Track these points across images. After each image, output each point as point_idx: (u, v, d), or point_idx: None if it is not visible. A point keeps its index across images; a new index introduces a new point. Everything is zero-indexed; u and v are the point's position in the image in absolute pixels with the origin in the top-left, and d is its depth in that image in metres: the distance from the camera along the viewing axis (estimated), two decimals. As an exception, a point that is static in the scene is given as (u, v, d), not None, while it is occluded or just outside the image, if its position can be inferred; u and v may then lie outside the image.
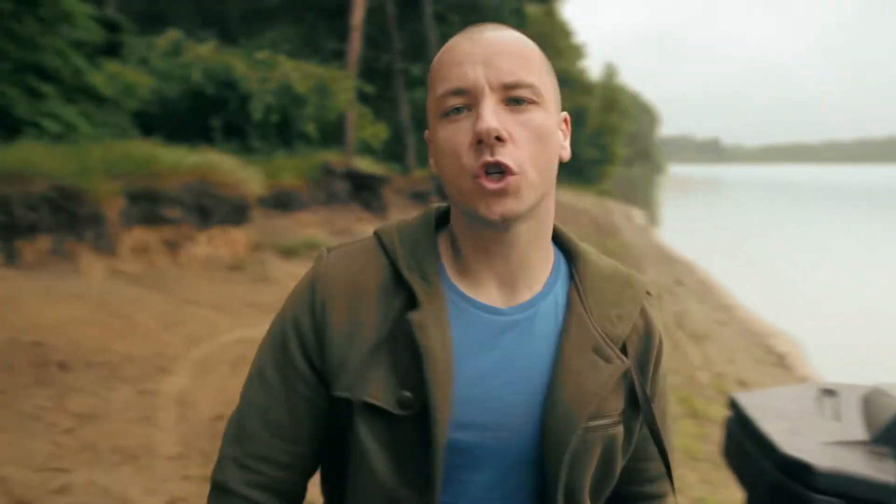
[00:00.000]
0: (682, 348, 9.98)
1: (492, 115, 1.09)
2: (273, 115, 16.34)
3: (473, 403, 1.16)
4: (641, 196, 58.61)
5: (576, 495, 1.19)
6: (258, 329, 8.68)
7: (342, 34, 22.41)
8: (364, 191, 18.08)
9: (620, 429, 1.22)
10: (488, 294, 1.20)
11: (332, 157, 17.72)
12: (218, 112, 15.96)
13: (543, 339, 1.19)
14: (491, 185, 1.10)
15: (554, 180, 1.19)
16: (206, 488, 3.97)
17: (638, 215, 37.79)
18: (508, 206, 1.11)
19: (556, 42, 50.33)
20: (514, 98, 1.12)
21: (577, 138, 51.62)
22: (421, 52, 25.06)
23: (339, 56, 22.18)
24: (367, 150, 21.15)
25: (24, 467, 4.81)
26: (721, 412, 7.16)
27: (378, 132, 20.30)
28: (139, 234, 10.97)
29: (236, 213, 12.50)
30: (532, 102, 1.13)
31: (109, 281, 10.07)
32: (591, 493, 1.23)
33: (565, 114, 1.24)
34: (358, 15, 20.05)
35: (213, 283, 10.94)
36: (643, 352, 1.25)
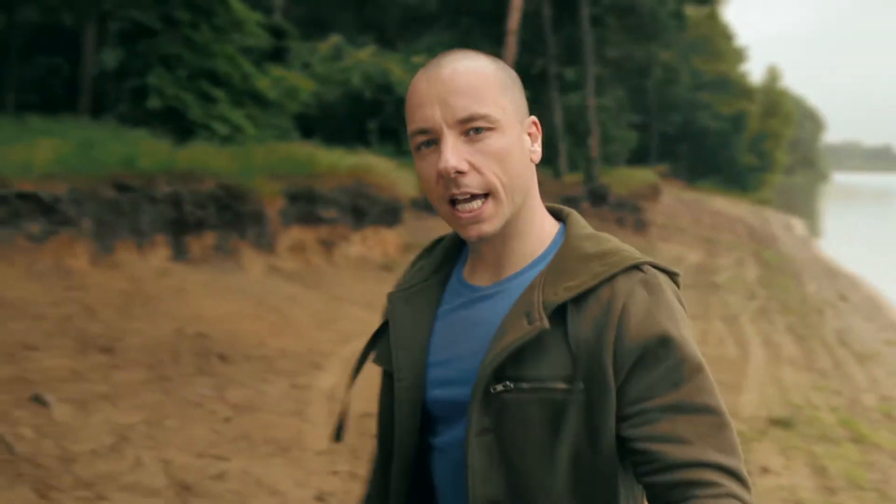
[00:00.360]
0: (844, 368, 9.49)
1: (451, 152, 1.25)
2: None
3: (442, 365, 1.38)
4: (803, 205, 55.97)
5: (514, 460, 1.28)
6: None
7: (497, 38, 22.54)
8: (514, 195, 18.14)
9: (571, 397, 1.24)
10: (480, 278, 1.40)
11: (483, 161, 17.85)
12: (374, 115, 16.40)
13: (503, 310, 1.31)
14: (464, 215, 1.28)
15: (528, 184, 1.34)
16: (353, 485, 4.11)
17: (798, 225, 36.16)
18: (482, 229, 1.29)
19: (716, 45, 48.89)
20: (470, 129, 1.26)
21: (735, 144, 49.96)
22: (576, 56, 24.89)
23: (493, 60, 22.32)
24: (518, 154, 21.20)
25: (186, 452, 5.11)
26: (889, 438, 6.78)
27: (531, 137, 20.32)
28: (297, 233, 11.42)
29: (389, 214, 12.81)
30: (488, 129, 1.27)
31: (268, 277, 10.53)
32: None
33: (532, 118, 1.37)
34: (514, 19, 20.11)
35: (365, 283, 11.25)
36: (601, 318, 1.26)
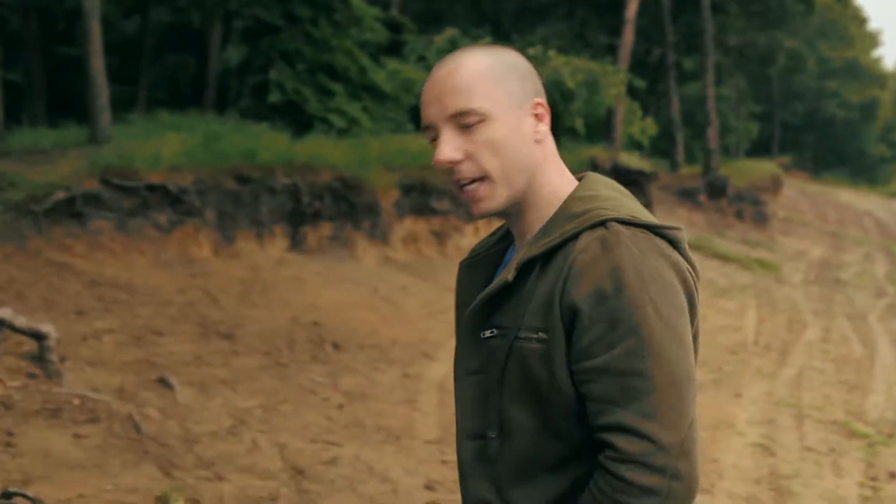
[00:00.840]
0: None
1: (446, 145, 1.40)
2: (541, 111, 16.46)
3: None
4: (939, 199, 52.96)
5: (512, 417, 1.40)
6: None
7: (614, 28, 22.17)
8: (630, 187, 17.54)
9: (546, 348, 1.35)
10: (518, 246, 1.52)
11: (598, 152, 17.59)
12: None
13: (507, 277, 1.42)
14: (464, 196, 1.44)
15: (531, 163, 1.44)
16: None
17: (934, 220, 34.24)
18: (482, 207, 1.44)
19: (846, 30, 46.73)
20: (463, 124, 1.40)
21: (864, 134, 47.65)
22: (695, 44, 24.23)
23: (610, 51, 21.97)
24: (634, 146, 20.81)
25: (300, 437, 5.24)
26: None
27: (647, 128, 19.88)
28: (409, 225, 11.53)
29: (502, 206, 12.78)
30: (479, 121, 1.40)
31: (381, 267, 10.68)
32: (529, 416, 1.39)
33: (537, 99, 1.46)
34: (632, 8, 19.73)
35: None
36: (557, 273, 1.36)
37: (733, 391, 7.33)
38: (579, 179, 1.52)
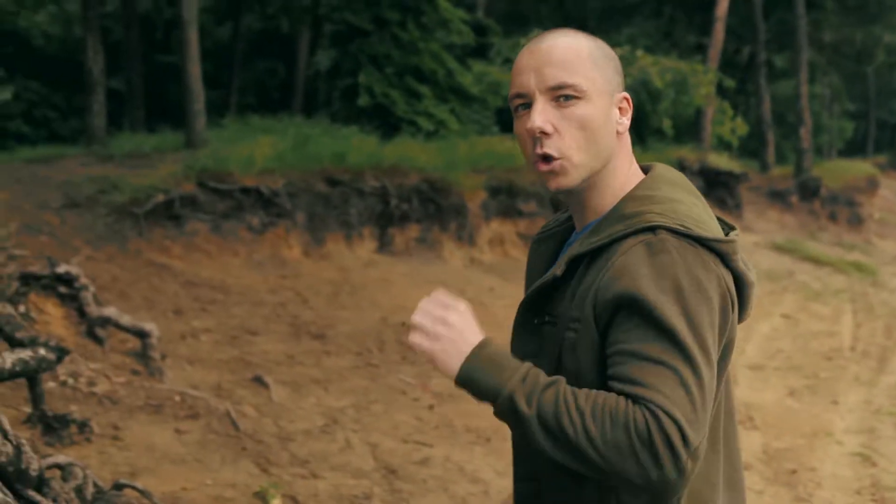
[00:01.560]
0: None
1: (539, 115, 1.45)
2: (629, 112, 16.29)
3: None
4: None
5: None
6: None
7: (702, 27, 21.77)
8: (719, 188, 17.45)
9: (578, 339, 1.43)
10: (577, 226, 1.60)
11: (686, 153, 17.31)
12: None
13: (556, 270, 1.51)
14: (542, 168, 1.48)
15: (610, 150, 1.50)
16: None
17: None
18: (558, 182, 1.48)
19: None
20: (560, 96, 1.45)
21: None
22: (787, 41, 23.62)
23: (699, 49, 21.59)
24: (723, 146, 20.39)
25: (391, 437, 5.29)
26: None
27: (736, 127, 19.45)
28: (496, 226, 11.53)
29: (588, 208, 12.67)
30: (576, 97, 1.45)
31: (467, 269, 10.71)
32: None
33: (624, 94, 1.54)
34: (723, 6, 19.33)
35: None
36: (603, 268, 1.42)
37: (830, 398, 7.12)
38: (647, 171, 1.58)
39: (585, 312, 1.42)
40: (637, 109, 13.87)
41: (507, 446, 5.17)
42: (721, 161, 18.28)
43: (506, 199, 11.60)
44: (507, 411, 1.40)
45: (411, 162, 10.70)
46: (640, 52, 17.26)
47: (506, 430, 4.70)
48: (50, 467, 3.58)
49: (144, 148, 11.18)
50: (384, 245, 10.21)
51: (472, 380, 1.44)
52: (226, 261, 8.73)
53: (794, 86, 22.75)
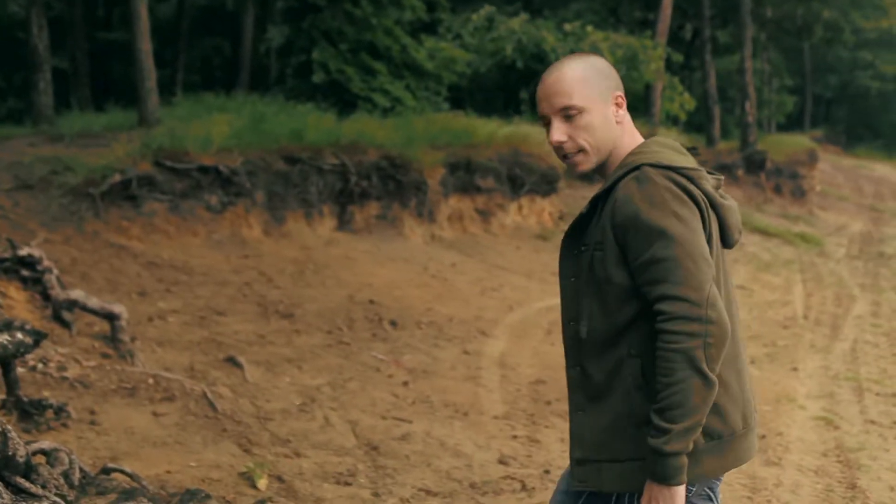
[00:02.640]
0: None
1: (555, 132, 2.06)
2: (579, 87, 16.31)
3: None
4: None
5: (583, 306, 2.05)
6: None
7: (647, 2, 21.93)
8: (668, 163, 17.64)
9: (604, 255, 1.99)
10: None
11: (638, 127, 17.43)
12: (527, 84, 16.25)
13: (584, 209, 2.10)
14: (566, 162, 2.13)
15: (613, 141, 2.08)
16: (534, 448, 4.09)
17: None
18: (580, 168, 2.11)
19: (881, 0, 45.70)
20: (565, 115, 2.05)
21: (900, 106, 46.70)
22: (730, 17, 23.90)
23: (644, 25, 21.72)
24: (672, 121, 20.61)
25: (369, 414, 5.27)
26: None
27: (685, 103, 19.66)
28: (455, 203, 11.51)
29: (545, 183, 12.72)
30: (577, 114, 2.04)
31: (429, 246, 10.68)
32: (600, 306, 2.02)
33: (618, 92, 2.09)
34: (668, -18, 19.47)
35: (522, 252, 11.25)
36: (610, 202, 2.00)
37: (789, 365, 7.27)
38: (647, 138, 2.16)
39: (606, 235, 1.99)
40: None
41: (485, 420, 5.18)
42: (671, 135, 18.46)
43: (464, 176, 11.57)
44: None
45: (370, 139, 10.60)
46: (589, 28, 17.31)
47: (481, 406, 4.69)
48: (35, 453, 3.48)
49: (95, 127, 10.88)
50: (345, 223, 10.13)
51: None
52: (186, 241, 8.58)
53: (737, 61, 23.05)
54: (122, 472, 3.64)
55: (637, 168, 1.98)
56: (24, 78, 14.91)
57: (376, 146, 10.57)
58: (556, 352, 6.88)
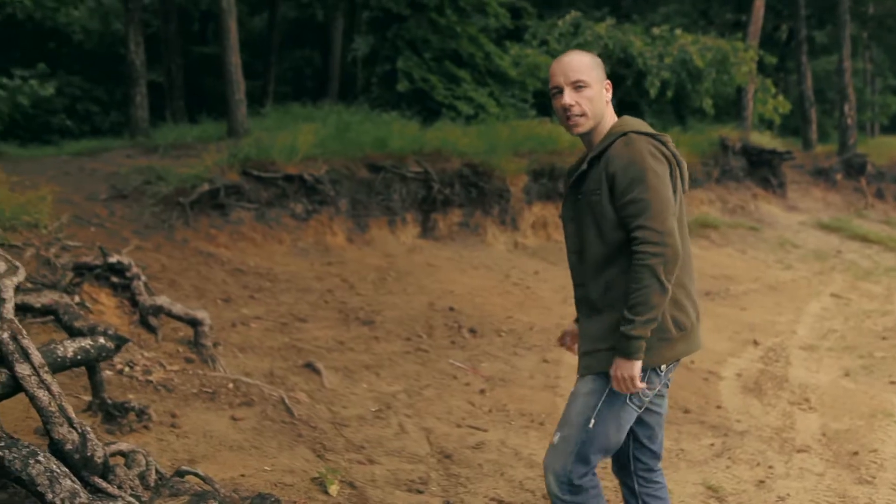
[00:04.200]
0: None
1: (567, 97, 2.81)
2: (668, 91, 16.07)
3: None
4: None
5: (587, 240, 2.86)
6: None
7: (739, 4, 21.38)
8: (762, 167, 17.16)
9: (600, 197, 2.78)
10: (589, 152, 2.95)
11: (728, 132, 17.03)
12: (614, 89, 16.04)
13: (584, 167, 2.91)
14: (570, 123, 2.86)
15: (602, 112, 2.86)
16: (609, 461, 3.89)
17: None
18: (578, 129, 2.86)
19: None
20: (576, 86, 2.81)
21: None
22: (827, 16, 23.15)
23: (737, 27, 21.18)
24: (765, 124, 20.03)
25: (444, 422, 5.25)
26: None
27: (779, 105, 19.07)
28: (539, 210, 11.44)
29: (631, 190, 12.51)
30: (585, 87, 2.81)
31: (511, 253, 10.64)
32: (598, 237, 2.83)
33: (608, 81, 2.89)
34: (761, -19, 18.96)
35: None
36: (606, 158, 2.79)
37: (887, 378, 6.97)
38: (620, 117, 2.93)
39: (602, 182, 2.79)
40: (677, 89, 13.61)
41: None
42: (763, 140, 17.99)
43: (548, 183, 11.49)
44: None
45: (453, 146, 10.63)
46: (678, 32, 16.99)
47: (558, 415, 4.59)
48: (113, 454, 3.58)
49: (187, 138, 11.24)
50: (427, 230, 10.17)
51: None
52: (271, 248, 8.74)
53: (835, 62, 22.28)
54: (195, 474, 3.71)
55: (625, 134, 2.79)
56: (123, 93, 15.48)
57: (459, 154, 10.59)
58: (637, 361, 6.75)
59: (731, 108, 18.53)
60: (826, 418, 5.82)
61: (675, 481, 4.55)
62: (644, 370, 2.78)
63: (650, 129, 2.84)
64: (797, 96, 21.75)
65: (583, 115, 2.81)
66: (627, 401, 2.85)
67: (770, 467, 4.86)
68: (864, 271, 12.37)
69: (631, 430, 3.03)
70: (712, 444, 5.15)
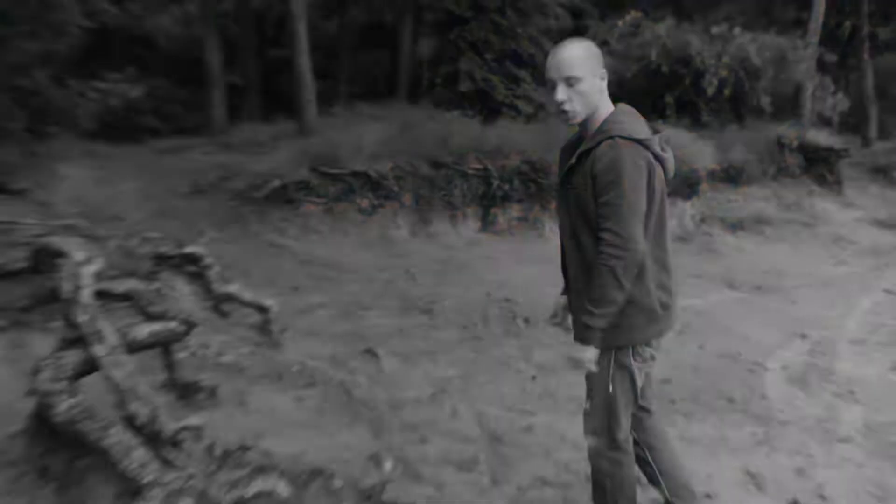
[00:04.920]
0: None
1: (560, 93, 2.92)
2: (726, 90, 15.75)
3: None
4: None
5: (577, 227, 3.02)
6: (702, 299, 8.51)
7: (802, 2, 20.82)
8: (818, 165, 16.70)
9: (586, 193, 2.91)
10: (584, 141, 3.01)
11: (785, 130, 16.62)
12: (672, 88, 15.82)
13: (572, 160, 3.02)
14: (563, 117, 2.96)
15: (596, 104, 2.95)
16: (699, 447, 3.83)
17: None
18: (571, 122, 2.96)
19: None
20: (568, 81, 2.89)
21: None
22: (892, 12, 22.38)
23: (797, 24, 20.66)
24: (824, 122, 19.48)
25: (496, 406, 5.29)
26: None
27: (838, 103, 18.53)
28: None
29: (686, 186, 12.36)
30: (577, 81, 2.89)
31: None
32: (586, 225, 2.98)
33: (603, 70, 2.97)
34: (823, -20, 18.44)
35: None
36: (592, 158, 2.88)
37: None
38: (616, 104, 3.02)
39: (587, 179, 2.90)
40: (735, 87, 13.24)
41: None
42: (820, 137, 17.48)
43: (604, 179, 11.39)
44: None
45: (512, 144, 10.63)
46: (737, 30, 16.64)
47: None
48: (183, 429, 3.73)
49: (261, 136, 11.47)
50: (487, 224, 10.20)
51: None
52: (338, 240, 8.88)
53: (898, 58, 21.58)
54: (258, 449, 3.84)
55: (611, 138, 2.86)
56: (203, 94, 15.83)
57: (518, 151, 10.59)
58: (686, 352, 6.70)
59: (788, 105, 18.08)
60: (870, 411, 5.68)
61: (715, 467, 4.52)
62: (635, 345, 3.12)
63: (638, 127, 2.95)
64: (857, 94, 21.13)
65: (574, 110, 2.92)
66: (631, 363, 3.14)
67: (810, 456, 4.77)
68: (924, 267, 11.99)
69: None
70: (754, 433, 5.08)
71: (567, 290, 3.38)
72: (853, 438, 5.10)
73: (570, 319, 3.39)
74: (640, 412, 3.53)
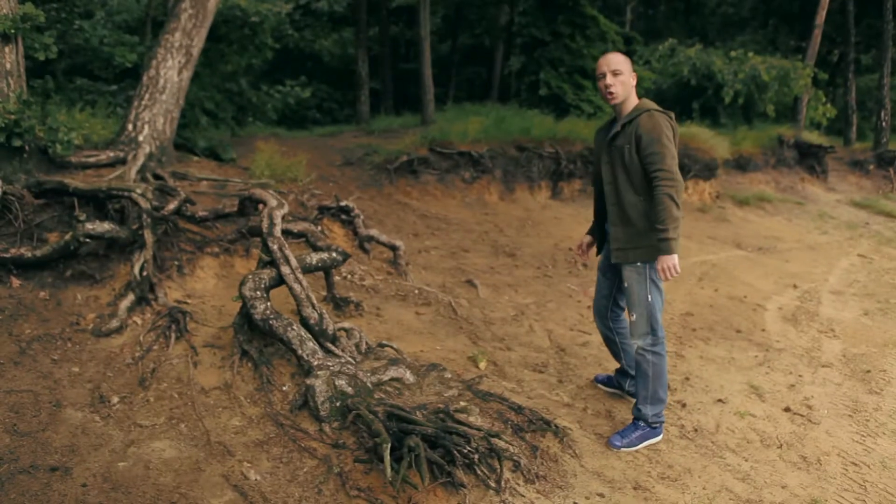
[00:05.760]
0: None
1: (609, 79, 3.06)
2: (740, 99, 14.79)
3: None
4: None
5: (618, 176, 3.11)
6: (717, 255, 8.09)
7: (800, 33, 19.28)
8: (809, 158, 15.59)
9: (630, 149, 3.03)
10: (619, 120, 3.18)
11: (784, 130, 15.56)
12: (698, 97, 14.96)
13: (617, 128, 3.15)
14: (608, 97, 3.11)
15: (630, 91, 3.10)
16: (678, 362, 3.69)
17: None
18: (613, 100, 3.11)
19: None
20: (614, 73, 3.05)
21: None
22: (874, 42, 20.51)
23: (798, 51, 19.17)
24: (815, 126, 18.15)
25: (561, 326, 5.13)
26: None
27: (827, 111, 17.20)
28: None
29: (706, 170, 11.71)
30: (619, 73, 3.05)
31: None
32: (624, 172, 3.10)
33: (634, 74, 3.09)
34: (821, 15, 17.01)
35: (687, 220, 10.44)
36: (634, 126, 3.02)
37: (900, 319, 6.24)
38: (640, 98, 3.12)
39: (631, 140, 3.01)
40: (747, 98, 12.36)
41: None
42: (812, 137, 16.31)
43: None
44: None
45: (577, 134, 10.24)
46: (751, 54, 15.55)
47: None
48: (339, 330, 3.70)
49: (394, 125, 11.36)
50: (556, 194, 9.90)
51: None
52: (447, 202, 8.76)
53: (877, 78, 19.81)
54: (391, 347, 3.79)
55: (648, 111, 3.03)
56: (353, 95, 15.85)
57: (582, 140, 10.19)
58: (704, 294, 6.35)
59: (788, 112, 16.88)
60: (847, 344, 5.29)
61: (725, 381, 4.27)
62: (647, 261, 3.08)
63: (662, 109, 3.09)
64: (842, 105, 19.52)
65: (616, 91, 3.05)
66: (656, 278, 3.11)
67: (800, 376, 4.48)
68: (887, 239, 11.08)
69: (613, 296, 3.48)
70: (756, 356, 4.79)
71: (594, 229, 3.49)
72: (833, 364, 4.78)
73: (591, 251, 3.54)
74: (617, 309, 3.53)
